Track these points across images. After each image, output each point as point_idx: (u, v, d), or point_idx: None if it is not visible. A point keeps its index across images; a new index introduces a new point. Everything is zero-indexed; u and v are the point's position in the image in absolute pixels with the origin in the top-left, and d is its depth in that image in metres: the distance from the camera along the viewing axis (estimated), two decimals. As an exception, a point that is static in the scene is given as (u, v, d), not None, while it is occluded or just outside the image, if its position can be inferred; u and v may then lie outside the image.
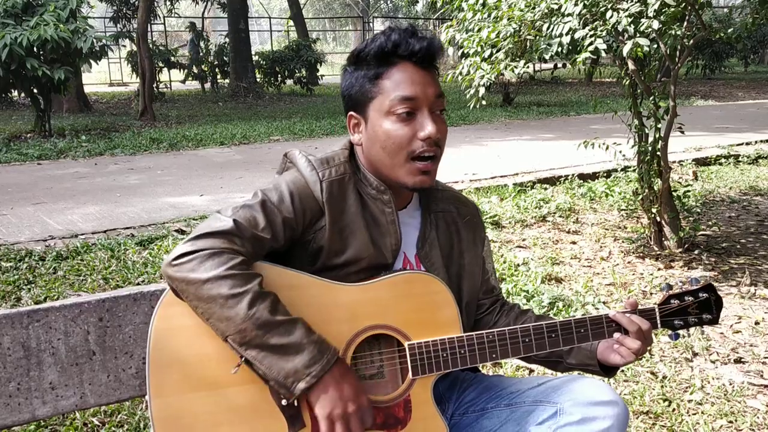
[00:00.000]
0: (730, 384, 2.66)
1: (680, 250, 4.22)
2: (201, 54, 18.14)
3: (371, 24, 27.28)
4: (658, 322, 1.52)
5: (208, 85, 18.53)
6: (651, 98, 4.01)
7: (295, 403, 1.30)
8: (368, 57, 1.41)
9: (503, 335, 1.42)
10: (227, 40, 17.92)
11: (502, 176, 6.58)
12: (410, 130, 1.38)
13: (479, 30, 3.77)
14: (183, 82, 18.99)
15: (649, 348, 1.52)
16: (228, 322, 1.23)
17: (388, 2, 34.11)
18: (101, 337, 1.42)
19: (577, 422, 1.33)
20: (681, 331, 1.56)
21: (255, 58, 17.51)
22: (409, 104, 1.37)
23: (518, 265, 4.03)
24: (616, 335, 1.47)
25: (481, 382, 1.56)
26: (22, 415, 1.37)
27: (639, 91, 4.15)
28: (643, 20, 3.26)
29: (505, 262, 4.05)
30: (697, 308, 1.54)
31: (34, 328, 1.37)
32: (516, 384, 1.51)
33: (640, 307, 1.52)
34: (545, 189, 6.08)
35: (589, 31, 3.28)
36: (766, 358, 2.87)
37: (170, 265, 1.26)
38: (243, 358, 1.25)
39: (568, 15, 3.35)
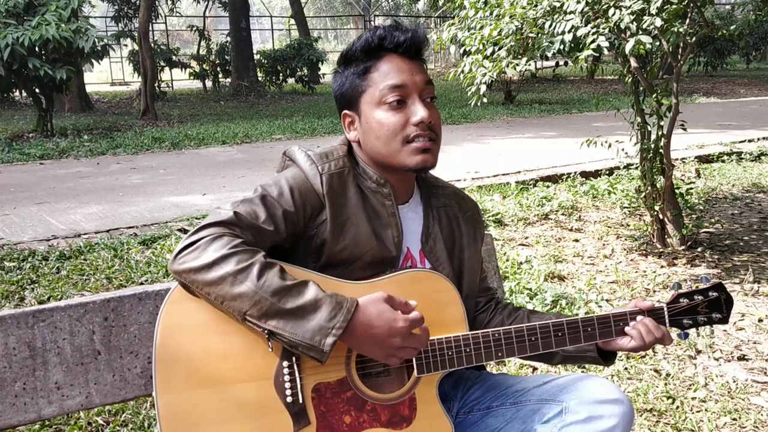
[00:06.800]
0: (734, 381, 2.66)
1: (683, 247, 4.22)
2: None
3: (372, 22, 27.24)
4: (667, 321, 1.50)
5: (209, 84, 18.53)
6: (653, 96, 4.00)
7: (300, 400, 1.30)
8: (356, 53, 1.43)
9: (509, 334, 1.41)
10: (229, 39, 17.92)
11: (504, 174, 6.58)
12: (402, 117, 1.39)
13: (481, 28, 3.76)
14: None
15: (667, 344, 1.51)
16: (242, 299, 1.22)
17: (389, 0, 34.05)
18: (106, 336, 1.42)
19: (582, 420, 1.33)
20: (690, 331, 1.53)
21: (256, 56, 17.52)
22: (398, 92, 1.39)
23: (521, 263, 4.03)
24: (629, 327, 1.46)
25: (486, 380, 1.56)
26: (28, 415, 1.37)
27: (641, 88, 4.14)
28: (645, 17, 3.26)
29: (507, 260, 4.04)
30: (706, 307, 1.52)
31: (39, 328, 1.37)
32: (521, 382, 1.51)
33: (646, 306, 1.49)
34: (547, 187, 6.07)
35: (592, 28, 3.28)
36: (769, 355, 2.87)
37: (175, 261, 1.27)
38: (267, 333, 1.24)
39: (570, 12, 3.35)
